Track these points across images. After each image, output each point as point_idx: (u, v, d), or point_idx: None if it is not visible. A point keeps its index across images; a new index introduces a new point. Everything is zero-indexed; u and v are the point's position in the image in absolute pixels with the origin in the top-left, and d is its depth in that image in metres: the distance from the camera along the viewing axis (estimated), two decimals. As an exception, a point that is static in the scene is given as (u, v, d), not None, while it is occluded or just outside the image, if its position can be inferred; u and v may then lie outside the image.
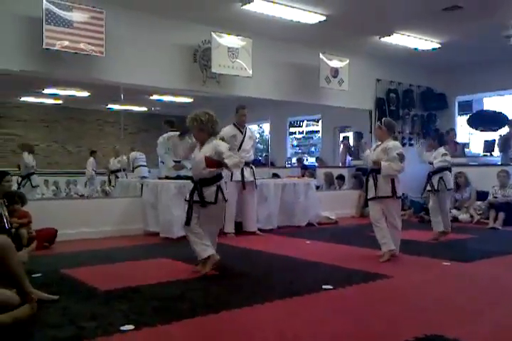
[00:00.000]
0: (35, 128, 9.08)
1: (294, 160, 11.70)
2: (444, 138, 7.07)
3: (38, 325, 2.56)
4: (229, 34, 6.73)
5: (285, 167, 11.13)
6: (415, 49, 8.11)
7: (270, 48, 7.50)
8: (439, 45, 7.95)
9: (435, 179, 5.61)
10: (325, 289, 3.35)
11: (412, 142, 9.64)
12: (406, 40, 7.67)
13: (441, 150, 5.76)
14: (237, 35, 6.80)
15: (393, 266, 4.23)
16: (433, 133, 8.83)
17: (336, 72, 7.93)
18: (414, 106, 9.68)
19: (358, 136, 9.55)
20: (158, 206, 5.87)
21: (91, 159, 8.91)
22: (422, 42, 7.81)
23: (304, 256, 4.61)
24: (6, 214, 4.64)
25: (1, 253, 2.72)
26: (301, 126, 12.05)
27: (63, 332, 2.47)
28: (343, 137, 10.42)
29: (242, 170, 6.12)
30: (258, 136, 10.66)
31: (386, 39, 7.63)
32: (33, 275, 3.57)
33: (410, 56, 8.57)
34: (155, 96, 8.85)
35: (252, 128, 7.36)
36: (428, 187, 5.67)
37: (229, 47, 6.73)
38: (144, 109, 10.02)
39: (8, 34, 5.34)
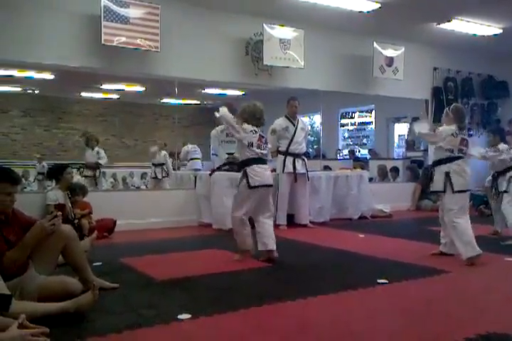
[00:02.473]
0: (94, 123, 9.43)
1: (345, 152, 11.52)
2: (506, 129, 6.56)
3: (99, 311, 2.66)
4: (281, 25, 6.68)
5: (336, 159, 10.98)
6: (475, 35, 7.74)
7: (322, 39, 7.38)
8: (501, 31, 7.54)
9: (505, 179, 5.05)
10: (380, 283, 3.30)
11: (471, 133, 9.24)
12: (465, 26, 7.32)
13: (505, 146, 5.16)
14: (289, 27, 6.75)
15: (451, 261, 4.08)
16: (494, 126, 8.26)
17: (390, 61, 7.72)
18: (474, 95, 9.26)
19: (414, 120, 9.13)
20: (211, 198, 5.95)
21: (163, 152, 9.13)
22: (483, 27, 7.43)
23: (357, 249, 4.54)
24: (70, 205, 4.90)
25: (66, 243, 2.86)
26: (353, 117, 11.81)
27: (123, 319, 2.57)
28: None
29: (294, 161, 6.11)
30: (309, 127, 10.57)
31: (444, 26, 7.32)
32: (94, 264, 3.70)
33: (469, 43, 8.18)
34: (208, 90, 8.93)
35: (303, 120, 7.26)
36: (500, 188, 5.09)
37: (281, 39, 6.68)
38: (196, 102, 10.16)
39: (68, 31, 5.54)
